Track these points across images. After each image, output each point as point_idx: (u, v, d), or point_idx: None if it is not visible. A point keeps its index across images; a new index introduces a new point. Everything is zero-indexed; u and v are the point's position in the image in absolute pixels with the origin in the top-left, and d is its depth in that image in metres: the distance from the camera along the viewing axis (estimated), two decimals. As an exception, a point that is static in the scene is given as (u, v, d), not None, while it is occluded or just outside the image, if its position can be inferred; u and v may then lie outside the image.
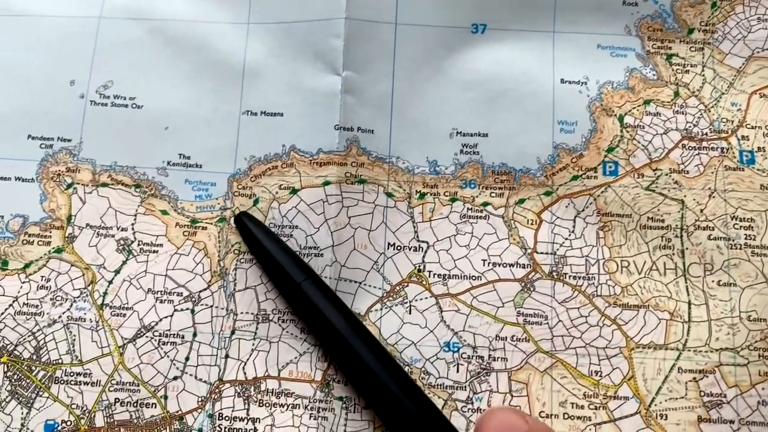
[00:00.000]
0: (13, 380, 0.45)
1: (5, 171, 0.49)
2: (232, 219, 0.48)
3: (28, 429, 0.45)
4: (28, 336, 0.46)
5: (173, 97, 0.49)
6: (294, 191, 0.48)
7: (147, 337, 0.46)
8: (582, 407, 0.44)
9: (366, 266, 0.46)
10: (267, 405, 0.44)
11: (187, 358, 0.45)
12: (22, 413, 0.46)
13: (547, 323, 0.45)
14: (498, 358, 0.45)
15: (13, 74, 0.50)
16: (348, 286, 0.48)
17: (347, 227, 0.48)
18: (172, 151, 0.49)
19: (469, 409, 0.44)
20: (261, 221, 0.47)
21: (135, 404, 0.44)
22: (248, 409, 0.44)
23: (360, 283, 0.47)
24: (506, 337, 0.45)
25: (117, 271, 0.47)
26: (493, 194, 0.48)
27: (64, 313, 0.46)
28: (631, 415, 0.44)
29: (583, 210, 0.46)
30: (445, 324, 0.46)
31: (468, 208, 0.48)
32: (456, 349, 0.45)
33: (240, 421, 0.44)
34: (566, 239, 0.46)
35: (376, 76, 0.49)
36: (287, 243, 0.49)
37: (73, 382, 0.45)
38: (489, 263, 0.46)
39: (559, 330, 0.45)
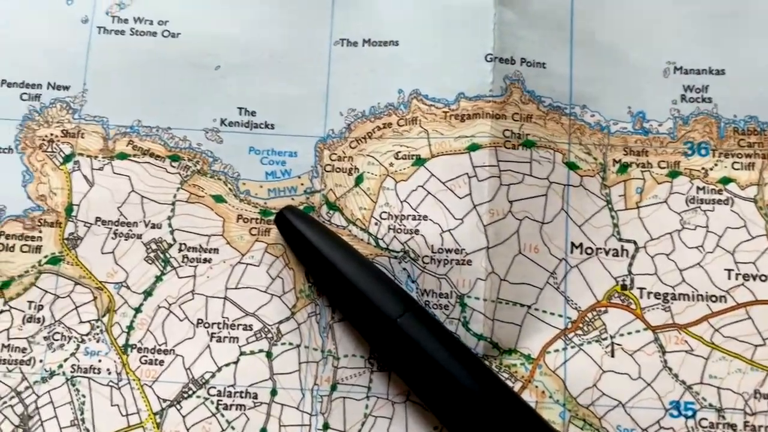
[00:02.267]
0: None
1: None
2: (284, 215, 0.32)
3: None
4: (10, 398, 0.31)
5: (225, 21, 0.34)
6: (420, 162, 0.32)
7: (198, 397, 0.31)
8: None
9: (538, 280, 0.32)
10: None
11: (263, 431, 0.29)
12: None
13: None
14: (761, 426, 0.30)
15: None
16: (510, 312, 0.31)
17: (508, 217, 0.31)
18: (228, 104, 0.34)
19: None
20: (316, 220, 0.32)
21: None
22: None
23: (529, 307, 0.32)
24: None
25: (148, 293, 0.31)
26: (738, 165, 0.33)
27: (66, 360, 0.32)
28: None
29: None
30: (670, 373, 0.31)
31: (698, 188, 0.32)
32: (691, 412, 0.31)
33: None
34: None
35: (548, -22, 0.33)
36: (411, 242, 0.31)
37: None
38: (738, 275, 0.32)
39: None
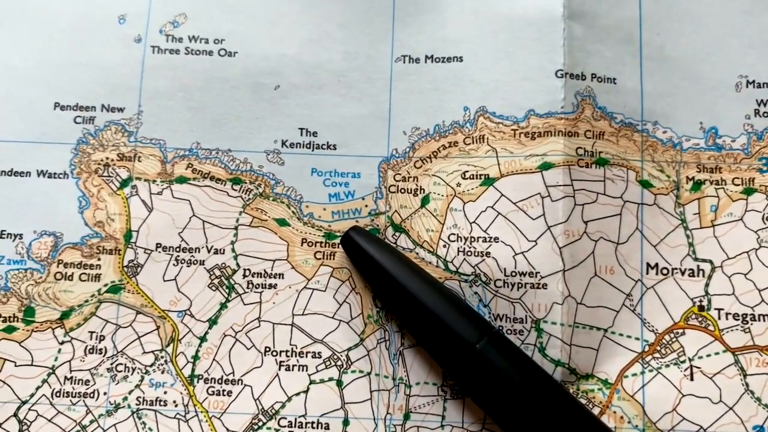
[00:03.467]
0: None
1: (22, 161, 0.32)
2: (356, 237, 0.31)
3: None
4: None
5: (283, 39, 0.33)
6: (489, 181, 0.31)
7: (269, 428, 0.31)
8: None
9: (614, 303, 0.31)
10: None
11: (336, 463, 0.28)
12: None
13: None
14: None
15: (31, 9, 0.31)
16: (587, 337, 0.30)
17: (583, 238, 0.30)
18: (289, 125, 0.33)
19: None
20: (383, 240, 0.31)
21: None
22: None
23: (605, 330, 0.31)
24: None
25: (213, 321, 0.29)
26: (817, 181, 0.31)
27: (131, 392, 0.31)
28: None
29: None
30: (753, 396, 0.30)
31: None
32: None
33: None
34: None
35: (617, -9, 0.32)
36: (482, 265, 0.30)
37: None
38: (820, 294, 0.31)
39: None
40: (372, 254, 0.30)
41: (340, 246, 0.31)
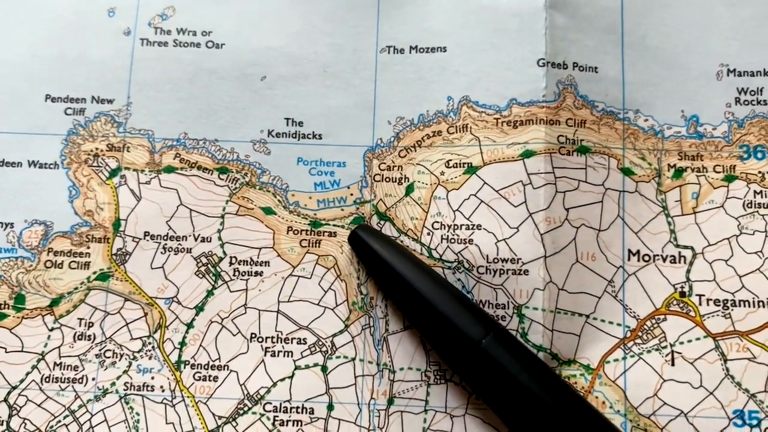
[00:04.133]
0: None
1: (13, 152, 0.32)
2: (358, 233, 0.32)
3: None
4: (64, 417, 0.31)
5: (270, 31, 0.34)
6: (472, 170, 0.31)
7: (254, 413, 0.31)
8: None
9: (596, 289, 0.31)
10: None
11: (320, 447, 0.29)
12: None
13: None
14: (828, 434, 0.30)
15: (22, 2, 0.32)
16: (569, 322, 0.30)
17: (564, 225, 0.30)
18: (275, 115, 0.33)
19: None
20: (390, 238, 0.32)
21: None
22: None
23: (587, 316, 0.31)
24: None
25: (199, 308, 0.30)
26: (796, 168, 0.32)
27: (118, 378, 0.31)
28: None
29: None
30: (733, 381, 0.31)
31: (755, 192, 0.32)
32: (755, 421, 0.30)
33: None
34: None
35: (598, -19, 0.33)
36: (465, 252, 0.31)
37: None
38: (799, 279, 0.31)
39: None
40: (378, 251, 0.30)
41: (325, 233, 0.32)
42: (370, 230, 0.31)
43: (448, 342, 0.29)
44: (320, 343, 0.31)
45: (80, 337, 0.31)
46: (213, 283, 0.31)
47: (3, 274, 0.31)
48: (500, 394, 0.28)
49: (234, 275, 0.32)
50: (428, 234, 0.32)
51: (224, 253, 0.32)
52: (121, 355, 0.31)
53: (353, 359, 0.31)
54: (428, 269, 0.30)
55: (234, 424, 0.30)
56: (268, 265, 0.32)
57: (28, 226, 0.32)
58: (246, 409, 0.30)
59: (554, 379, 0.28)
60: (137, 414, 0.30)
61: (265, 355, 0.31)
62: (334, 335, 0.31)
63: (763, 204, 0.31)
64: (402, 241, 0.32)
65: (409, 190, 0.32)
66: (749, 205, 0.31)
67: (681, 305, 0.31)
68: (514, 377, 0.28)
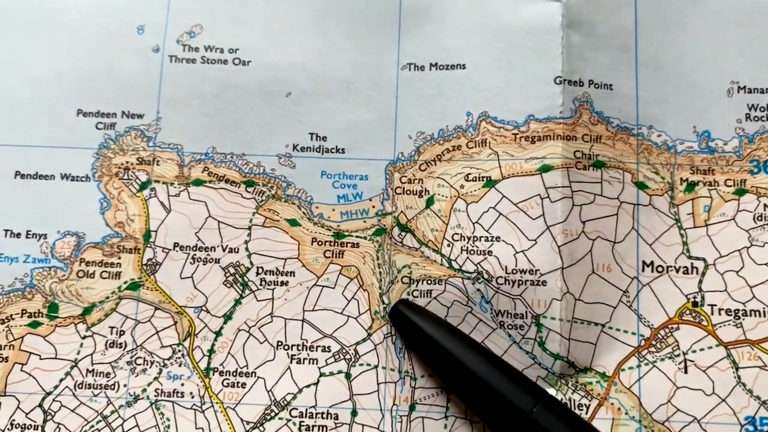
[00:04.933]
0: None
1: (46, 165, 0.34)
2: (396, 305, 0.32)
3: None
4: (97, 422, 0.32)
5: (294, 49, 0.35)
6: (490, 183, 0.32)
7: (281, 419, 0.32)
8: None
9: (611, 299, 0.32)
10: None
11: (345, 452, 0.30)
12: None
13: None
14: (837, 440, 0.30)
15: (54, 20, 0.33)
16: (585, 331, 0.31)
17: (581, 237, 0.31)
18: (299, 130, 0.35)
19: None
20: (430, 312, 0.32)
21: None
22: None
23: (603, 326, 0.32)
24: None
25: (227, 317, 0.31)
26: (805, 182, 0.33)
27: (149, 384, 0.32)
28: None
29: None
30: (744, 388, 0.32)
31: (765, 205, 0.33)
32: (766, 428, 0.31)
33: None
34: None
35: (613, 0, 0.34)
36: (484, 263, 0.32)
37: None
38: (808, 290, 0.32)
39: None
40: (421, 326, 0.31)
41: (348, 243, 0.33)
42: (411, 305, 0.32)
43: (498, 414, 0.29)
44: (344, 351, 0.32)
45: (112, 344, 0.32)
46: (240, 292, 0.33)
47: (37, 283, 0.33)
48: None
49: (261, 285, 0.33)
50: (448, 245, 0.33)
51: (251, 263, 0.33)
52: (152, 362, 0.32)
53: (376, 367, 0.32)
54: (473, 342, 0.31)
55: (261, 429, 0.31)
56: (294, 275, 0.33)
57: (60, 237, 0.33)
58: (273, 414, 0.31)
59: None
60: (168, 419, 0.31)
61: (291, 362, 0.32)
62: (358, 343, 0.32)
63: (773, 217, 0.32)
64: (423, 252, 0.33)
65: (430, 202, 0.33)
66: (759, 218, 0.32)
67: (693, 315, 0.32)
68: None
